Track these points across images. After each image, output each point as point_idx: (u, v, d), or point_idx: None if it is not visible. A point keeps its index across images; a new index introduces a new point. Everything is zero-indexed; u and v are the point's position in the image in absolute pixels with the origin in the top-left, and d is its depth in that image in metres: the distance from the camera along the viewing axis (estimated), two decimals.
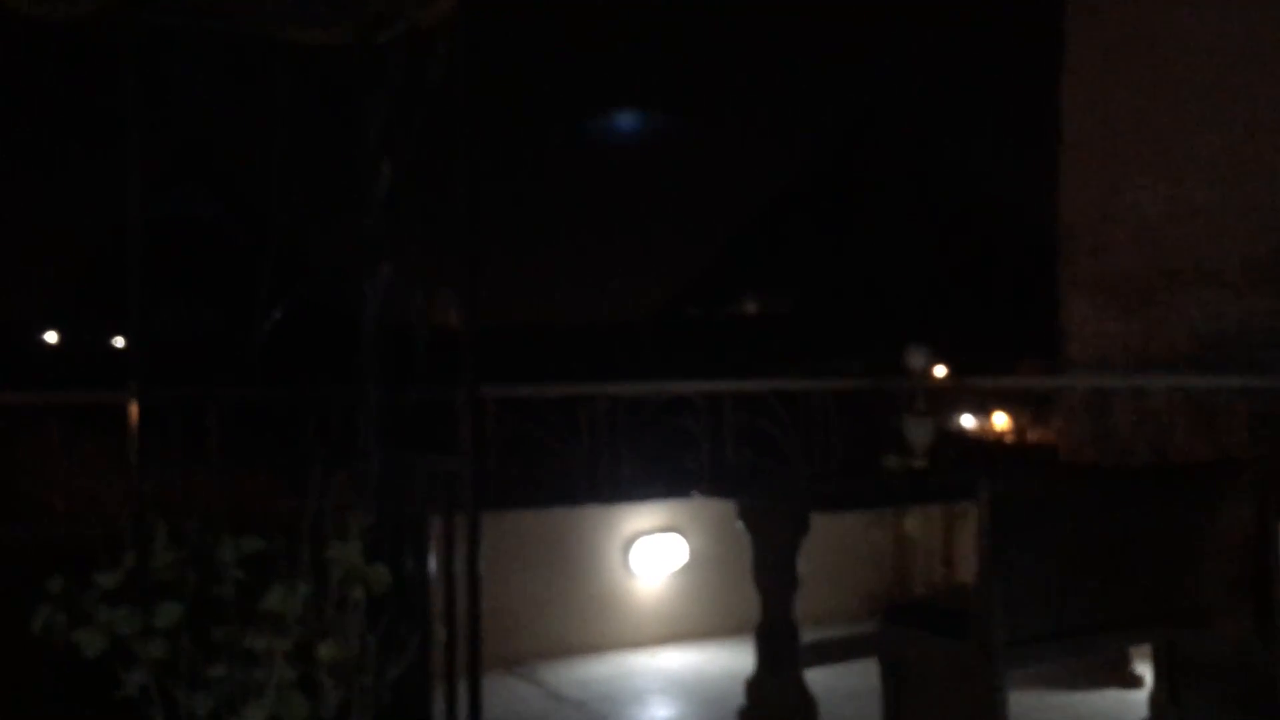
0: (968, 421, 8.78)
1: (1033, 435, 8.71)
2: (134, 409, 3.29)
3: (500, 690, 5.62)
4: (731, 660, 6.15)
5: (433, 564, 3.65)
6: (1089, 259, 9.36)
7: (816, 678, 5.03)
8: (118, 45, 3.30)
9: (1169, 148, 8.73)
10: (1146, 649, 5.23)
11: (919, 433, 7.54)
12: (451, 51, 3.52)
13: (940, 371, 8.29)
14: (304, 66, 3.80)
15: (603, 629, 6.56)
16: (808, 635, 5.07)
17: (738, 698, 5.26)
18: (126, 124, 3.30)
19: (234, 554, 3.15)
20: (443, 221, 3.60)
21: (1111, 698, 5.46)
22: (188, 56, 3.65)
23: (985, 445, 8.79)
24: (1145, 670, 5.34)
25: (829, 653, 5.26)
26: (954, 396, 8.22)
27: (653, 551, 6.72)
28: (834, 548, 6.86)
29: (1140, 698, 5.28)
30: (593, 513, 6.70)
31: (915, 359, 7.91)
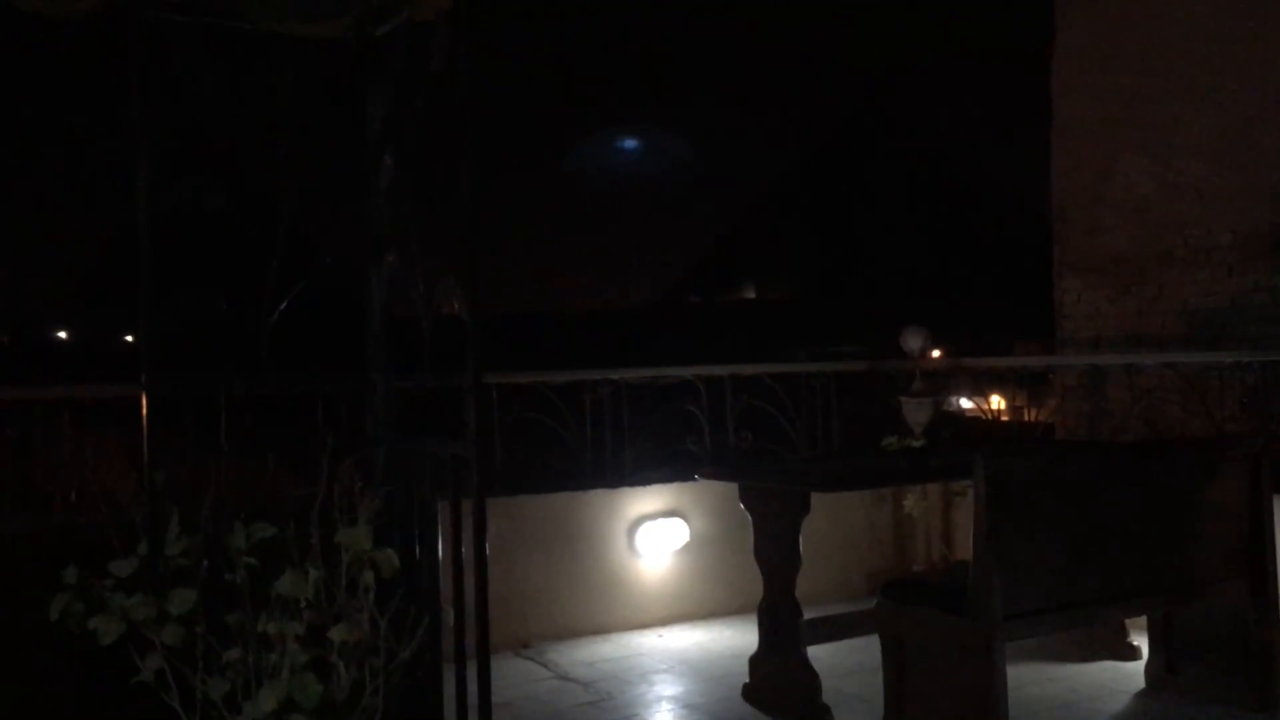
0: (965, 402, 8.80)
1: (1029, 415, 8.74)
2: (145, 400, 3.33)
3: (509, 671, 5.70)
4: (736, 638, 6.23)
5: (441, 548, 3.69)
6: (1082, 239, 9.41)
7: (819, 654, 5.09)
8: (124, 41, 3.32)
9: (1160, 128, 8.77)
10: (1143, 621, 5.30)
11: (917, 413, 7.61)
12: (452, 42, 3.55)
13: (937, 353, 8.35)
14: (307, 59, 3.84)
15: (609, 610, 6.62)
16: (810, 613, 5.14)
17: (742, 674, 5.34)
18: (133, 119, 3.32)
19: (246, 540, 3.17)
20: (446, 211, 3.63)
21: (1108, 669, 5.52)
22: (192, 51, 3.67)
23: (982, 425, 8.80)
24: (1141, 642, 5.41)
25: (831, 630, 5.32)
26: (951, 377, 8.26)
27: (657, 534, 6.77)
28: (835, 527, 6.96)
29: (1136, 669, 5.35)
30: (597, 497, 6.74)
31: (913, 341, 7.96)
